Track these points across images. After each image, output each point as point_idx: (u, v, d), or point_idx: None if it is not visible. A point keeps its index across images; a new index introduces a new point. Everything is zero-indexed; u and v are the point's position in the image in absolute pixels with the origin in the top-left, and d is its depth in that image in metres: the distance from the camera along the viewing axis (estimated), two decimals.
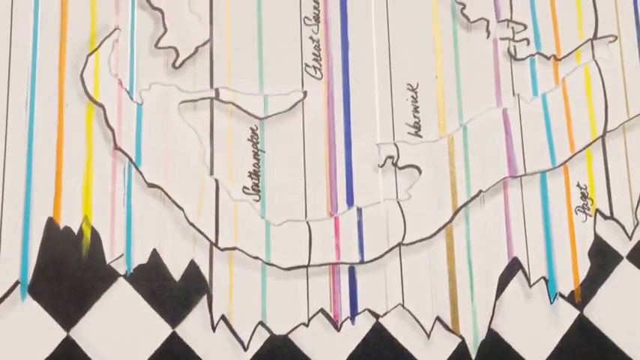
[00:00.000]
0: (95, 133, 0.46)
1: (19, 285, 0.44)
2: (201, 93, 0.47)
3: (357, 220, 0.46)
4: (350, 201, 0.47)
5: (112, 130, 0.46)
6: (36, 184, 0.45)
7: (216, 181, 0.46)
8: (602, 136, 0.49)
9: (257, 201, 0.46)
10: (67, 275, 0.44)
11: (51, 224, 0.45)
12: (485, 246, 0.47)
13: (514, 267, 0.46)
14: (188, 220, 0.45)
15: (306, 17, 0.49)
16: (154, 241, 0.45)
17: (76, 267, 0.44)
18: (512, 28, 0.50)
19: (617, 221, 0.47)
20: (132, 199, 0.46)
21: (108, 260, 0.45)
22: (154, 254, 0.45)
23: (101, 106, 0.46)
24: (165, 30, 0.48)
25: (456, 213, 0.47)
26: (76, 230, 0.45)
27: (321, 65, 0.49)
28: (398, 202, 0.47)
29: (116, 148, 0.46)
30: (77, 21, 0.48)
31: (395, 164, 0.47)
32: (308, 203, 0.46)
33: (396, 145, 0.47)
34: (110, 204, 0.45)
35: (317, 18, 0.49)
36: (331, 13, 0.49)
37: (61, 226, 0.45)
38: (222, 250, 0.45)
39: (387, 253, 0.46)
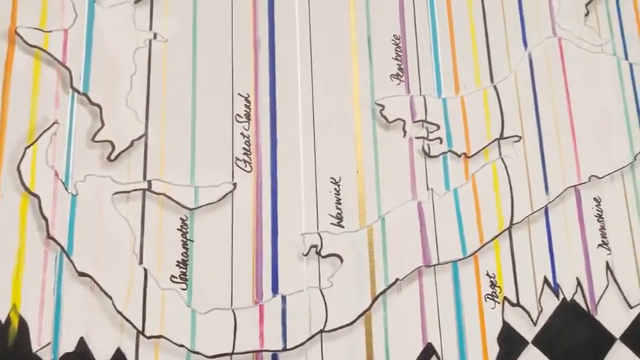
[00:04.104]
0: (29, 222, 0.48)
1: None
2: (134, 184, 0.50)
3: (282, 308, 0.48)
4: (275, 289, 0.49)
5: (46, 220, 0.48)
6: None
7: (145, 270, 0.48)
8: (509, 228, 0.53)
9: (184, 289, 0.48)
10: None
11: None
12: (402, 332, 0.49)
13: (428, 352, 0.49)
14: (116, 309, 0.46)
15: (237, 115, 0.53)
16: (82, 329, 0.46)
17: (1, 356, 0.45)
18: (427, 127, 0.54)
19: (523, 308, 0.51)
20: (62, 287, 0.47)
21: (34, 349, 0.45)
22: (81, 342, 0.46)
23: (36, 196, 0.48)
24: (103, 124, 0.51)
25: (374, 300, 0.49)
26: (3, 319, 0.46)
27: (250, 159, 0.52)
28: (320, 290, 0.49)
29: (49, 237, 0.47)
30: (17, 114, 0.50)
31: (318, 253, 0.50)
32: (234, 291, 0.49)
33: (319, 235, 0.51)
34: (40, 292, 0.47)
35: (248, 116, 0.53)
36: (261, 111, 0.53)
37: None
38: (148, 338, 0.46)
39: (309, 340, 0.48)
